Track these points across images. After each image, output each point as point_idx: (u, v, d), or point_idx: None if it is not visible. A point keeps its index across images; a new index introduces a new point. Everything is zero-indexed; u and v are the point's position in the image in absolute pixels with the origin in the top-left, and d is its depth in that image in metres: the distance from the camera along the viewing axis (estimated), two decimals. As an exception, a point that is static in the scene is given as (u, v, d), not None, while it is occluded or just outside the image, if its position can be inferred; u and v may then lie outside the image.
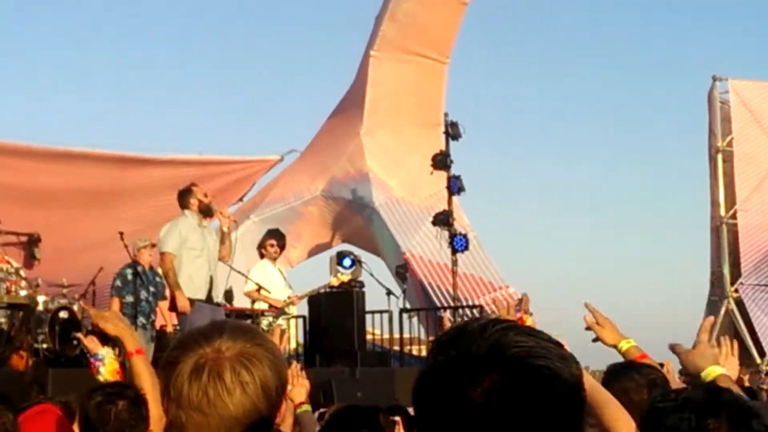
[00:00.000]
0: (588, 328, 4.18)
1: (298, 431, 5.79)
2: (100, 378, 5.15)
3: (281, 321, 13.30)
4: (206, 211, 11.01)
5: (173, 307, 10.98)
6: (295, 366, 5.86)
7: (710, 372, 3.47)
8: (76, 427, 5.60)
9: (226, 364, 2.01)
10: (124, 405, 3.60)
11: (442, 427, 1.47)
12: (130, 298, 12.28)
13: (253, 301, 13.44)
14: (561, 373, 1.47)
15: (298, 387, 5.61)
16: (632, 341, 4.15)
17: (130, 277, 12.26)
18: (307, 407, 5.66)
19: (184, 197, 11.14)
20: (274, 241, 14.01)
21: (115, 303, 12.30)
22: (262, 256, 13.89)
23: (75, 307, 13.40)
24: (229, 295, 14.33)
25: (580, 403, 1.51)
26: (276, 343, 2.21)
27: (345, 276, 14.68)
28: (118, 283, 12.57)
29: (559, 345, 1.53)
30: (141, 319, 12.13)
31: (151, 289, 12.47)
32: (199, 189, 11.21)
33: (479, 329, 1.51)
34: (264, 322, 12.88)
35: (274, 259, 13.87)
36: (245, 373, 2.02)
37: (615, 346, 4.16)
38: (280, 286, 13.52)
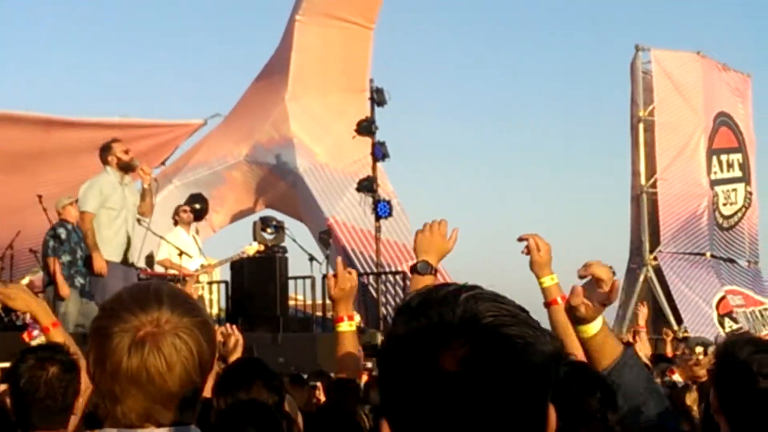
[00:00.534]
0: (526, 249, 4.05)
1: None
2: (33, 344, 5.08)
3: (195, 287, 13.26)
4: (126, 167, 10.70)
5: (87, 266, 10.79)
6: (230, 326, 5.86)
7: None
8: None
9: (167, 338, 1.98)
10: (54, 372, 3.52)
11: (409, 395, 1.44)
12: (66, 258, 11.82)
13: (166, 269, 13.32)
14: (535, 342, 1.45)
15: (237, 348, 5.60)
16: (556, 279, 3.98)
17: (63, 236, 11.77)
18: None
19: (104, 153, 10.84)
20: (187, 206, 13.88)
21: (55, 264, 11.83)
22: (176, 222, 13.74)
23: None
24: (150, 260, 14.21)
25: (553, 372, 1.48)
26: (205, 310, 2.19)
27: (261, 245, 14.58)
28: (52, 243, 12.09)
29: (526, 312, 1.50)
30: (78, 279, 11.68)
31: (83, 245, 12.06)
32: (120, 145, 10.90)
33: (450, 296, 1.48)
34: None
35: (187, 225, 13.73)
36: (184, 347, 1.99)
37: (538, 278, 4.03)
38: (194, 253, 13.42)
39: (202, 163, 21.90)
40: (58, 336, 4.17)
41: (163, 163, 21.69)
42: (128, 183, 10.87)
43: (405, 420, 1.45)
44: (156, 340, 1.97)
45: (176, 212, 13.80)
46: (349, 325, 4.59)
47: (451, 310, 1.45)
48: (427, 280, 3.93)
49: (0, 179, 17.58)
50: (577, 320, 3.07)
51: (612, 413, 2.57)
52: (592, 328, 3.02)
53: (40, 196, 13.27)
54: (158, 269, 13.76)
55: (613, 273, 3.13)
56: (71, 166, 18.36)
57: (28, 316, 5.99)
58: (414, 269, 4.03)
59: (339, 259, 4.69)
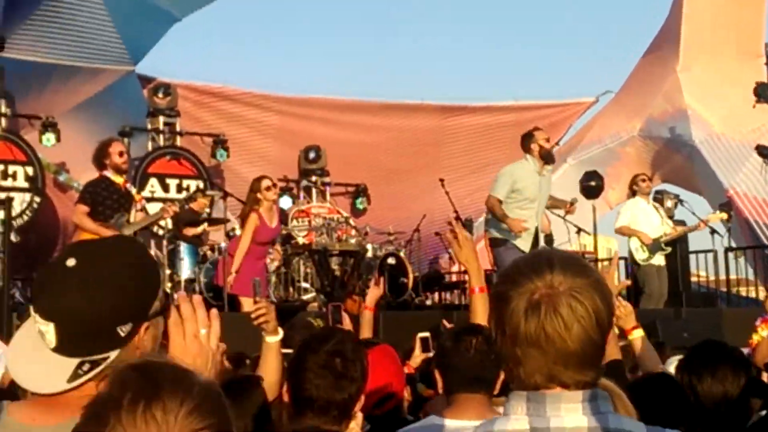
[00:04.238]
0: None
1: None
2: None
3: (659, 256, 13.12)
4: (547, 158, 10.57)
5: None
6: (617, 298, 5.87)
7: None
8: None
9: (561, 299, 2.04)
10: (481, 338, 3.71)
11: None
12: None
13: (629, 237, 13.25)
14: None
15: (625, 315, 5.61)
16: None
17: None
18: (639, 332, 5.63)
19: (525, 141, 10.70)
20: (645, 175, 13.74)
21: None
22: (634, 193, 13.64)
23: (402, 254, 13.92)
24: (549, 238, 14.44)
25: None
26: (598, 271, 2.24)
27: (724, 214, 14.30)
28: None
29: None
30: None
31: None
32: (542, 133, 10.73)
33: None
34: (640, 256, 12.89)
35: (646, 195, 13.56)
36: (580, 307, 2.03)
37: None
38: (655, 220, 13.30)
39: (595, 140, 21.91)
40: (478, 300, 4.38)
41: (557, 143, 21.95)
42: (546, 173, 10.74)
43: None
44: (552, 301, 2.03)
45: (634, 182, 13.71)
46: None
47: None
48: None
49: (407, 167, 18.52)
50: None
51: None
52: None
53: (441, 180, 13.82)
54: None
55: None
56: (468, 150, 19.04)
57: None
58: None
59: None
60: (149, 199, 14.70)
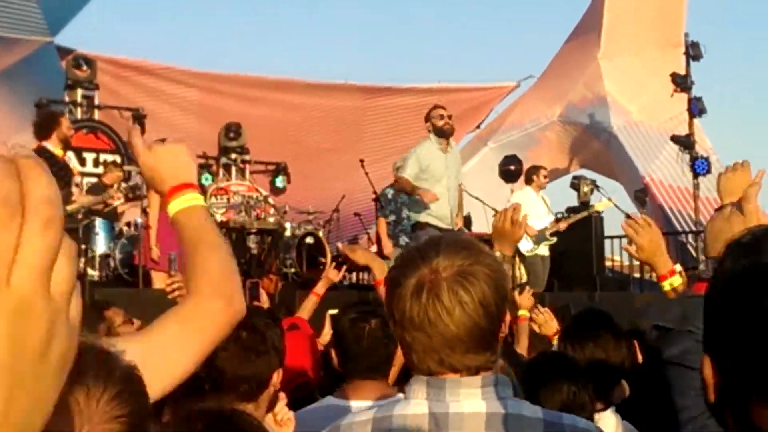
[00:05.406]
0: None
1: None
2: None
3: (543, 247, 13.15)
4: (440, 134, 10.46)
5: (414, 228, 10.80)
6: (535, 306, 5.94)
7: None
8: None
9: (443, 284, 2.04)
10: (377, 323, 3.71)
11: (736, 333, 1.31)
12: (392, 217, 12.04)
13: None
14: None
15: (545, 322, 5.67)
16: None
17: (390, 196, 11.96)
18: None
19: (426, 119, 10.68)
20: (545, 170, 13.74)
21: (381, 223, 12.11)
22: (529, 182, 13.62)
23: (320, 233, 13.88)
24: (467, 220, 14.49)
25: None
26: (494, 256, 2.24)
27: (610, 201, 14.40)
28: (379, 204, 12.37)
29: None
30: (404, 239, 11.82)
31: (410, 206, 12.12)
32: (438, 110, 10.62)
33: None
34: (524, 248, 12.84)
35: (539, 188, 13.58)
36: (462, 292, 2.03)
37: None
38: (542, 213, 13.35)
39: (515, 124, 22.08)
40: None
41: (477, 126, 22.09)
42: (452, 150, 10.70)
43: (730, 357, 1.33)
44: (434, 286, 2.04)
45: (534, 173, 13.61)
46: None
47: None
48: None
49: (326, 147, 18.50)
50: None
51: None
52: None
53: (362, 161, 13.80)
54: (481, 226, 13.91)
55: None
56: (391, 132, 19.07)
57: None
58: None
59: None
60: (65, 173, 14.50)
